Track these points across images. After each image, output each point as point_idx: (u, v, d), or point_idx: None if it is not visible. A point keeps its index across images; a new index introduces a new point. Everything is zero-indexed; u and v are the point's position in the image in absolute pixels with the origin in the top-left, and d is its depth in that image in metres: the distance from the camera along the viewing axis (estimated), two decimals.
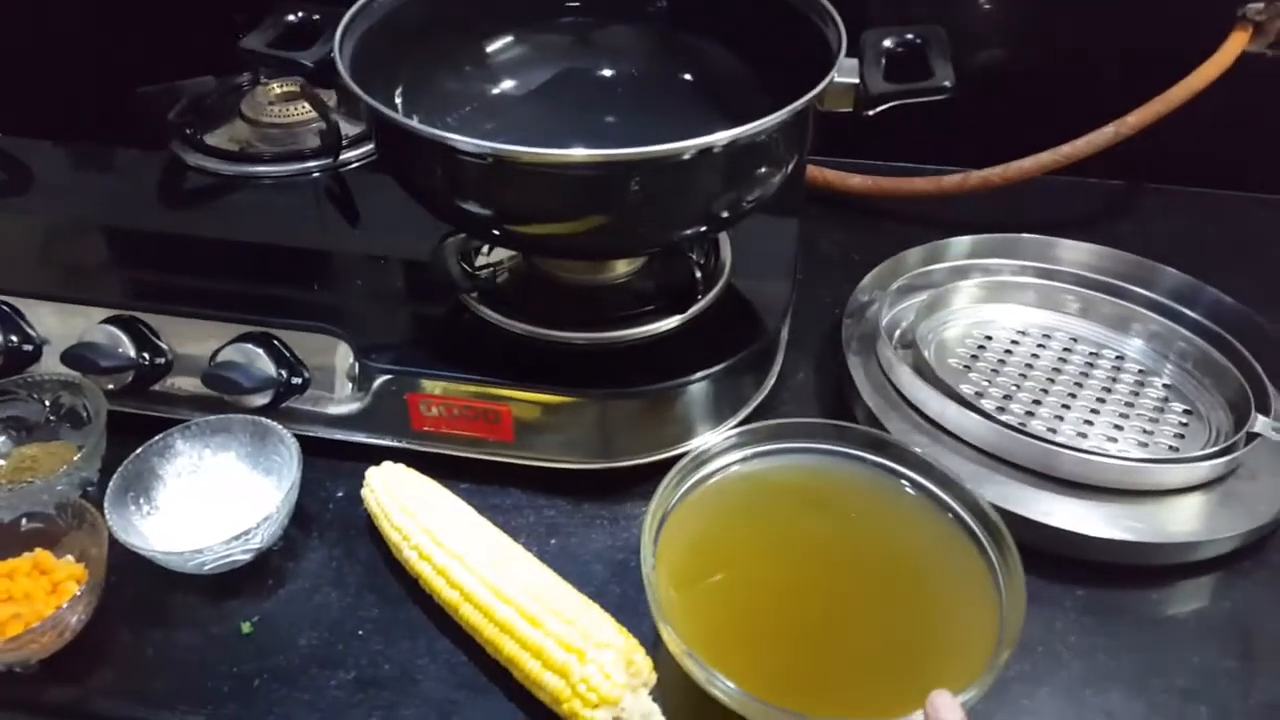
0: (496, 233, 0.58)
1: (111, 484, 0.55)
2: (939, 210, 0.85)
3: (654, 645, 0.49)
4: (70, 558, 0.54)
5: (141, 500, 0.56)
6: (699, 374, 0.59)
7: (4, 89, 0.82)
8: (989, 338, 0.73)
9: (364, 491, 0.58)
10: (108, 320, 0.62)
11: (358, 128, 0.78)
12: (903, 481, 0.55)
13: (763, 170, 0.54)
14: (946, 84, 0.54)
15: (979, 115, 0.80)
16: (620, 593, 0.55)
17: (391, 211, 0.73)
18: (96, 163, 0.78)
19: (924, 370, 0.65)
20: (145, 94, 0.76)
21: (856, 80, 0.55)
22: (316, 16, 0.60)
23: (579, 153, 0.51)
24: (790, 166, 0.55)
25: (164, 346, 0.62)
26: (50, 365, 0.64)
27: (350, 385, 0.61)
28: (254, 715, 0.50)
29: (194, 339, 0.62)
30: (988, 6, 0.85)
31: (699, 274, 0.62)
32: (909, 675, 0.47)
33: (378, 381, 0.60)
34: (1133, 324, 0.71)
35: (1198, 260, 0.72)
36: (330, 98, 0.79)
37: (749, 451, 0.56)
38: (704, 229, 0.58)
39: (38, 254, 0.68)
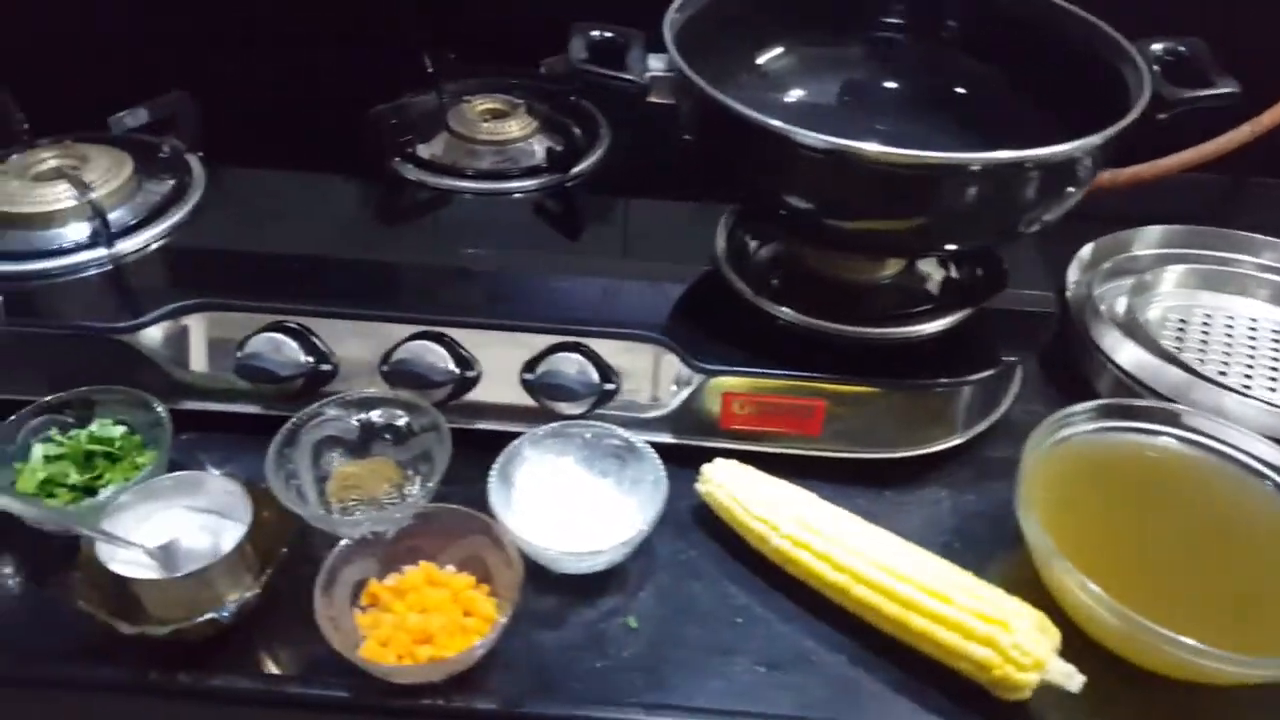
0: (813, 225, 0.61)
1: (492, 491, 0.56)
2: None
3: None
4: (452, 567, 0.55)
5: (505, 505, 0.57)
6: (994, 368, 0.64)
7: (233, 120, 0.81)
8: (1184, 321, 0.79)
9: (702, 487, 0.61)
10: (417, 336, 0.63)
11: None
12: (1234, 463, 0.61)
13: (1072, 190, 0.58)
14: (1233, 90, 0.60)
15: None
16: None
17: (621, 224, 0.76)
18: (337, 185, 0.78)
19: (1155, 347, 0.71)
20: (378, 113, 0.76)
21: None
22: (621, 39, 0.62)
23: (927, 154, 0.54)
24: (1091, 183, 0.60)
25: (473, 359, 0.63)
26: (340, 384, 0.64)
27: (670, 388, 0.63)
28: (677, 700, 0.52)
29: (502, 351, 0.63)
30: None
31: (979, 274, 0.67)
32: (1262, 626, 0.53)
33: (696, 383, 0.62)
34: None
35: None
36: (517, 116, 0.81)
37: (1094, 426, 0.61)
38: (1007, 235, 0.63)
39: (318, 275, 0.67)
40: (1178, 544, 0.57)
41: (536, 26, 0.81)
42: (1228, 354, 0.76)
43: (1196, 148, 0.89)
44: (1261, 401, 0.67)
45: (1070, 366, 0.74)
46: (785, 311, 0.65)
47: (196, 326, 0.63)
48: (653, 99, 0.61)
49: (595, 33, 0.63)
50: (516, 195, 0.77)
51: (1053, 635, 0.51)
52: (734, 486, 0.59)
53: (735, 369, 0.62)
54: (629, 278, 0.70)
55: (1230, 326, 0.79)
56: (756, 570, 0.59)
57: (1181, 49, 0.62)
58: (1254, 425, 0.66)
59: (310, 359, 0.63)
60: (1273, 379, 0.74)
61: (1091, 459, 0.60)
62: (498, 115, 0.82)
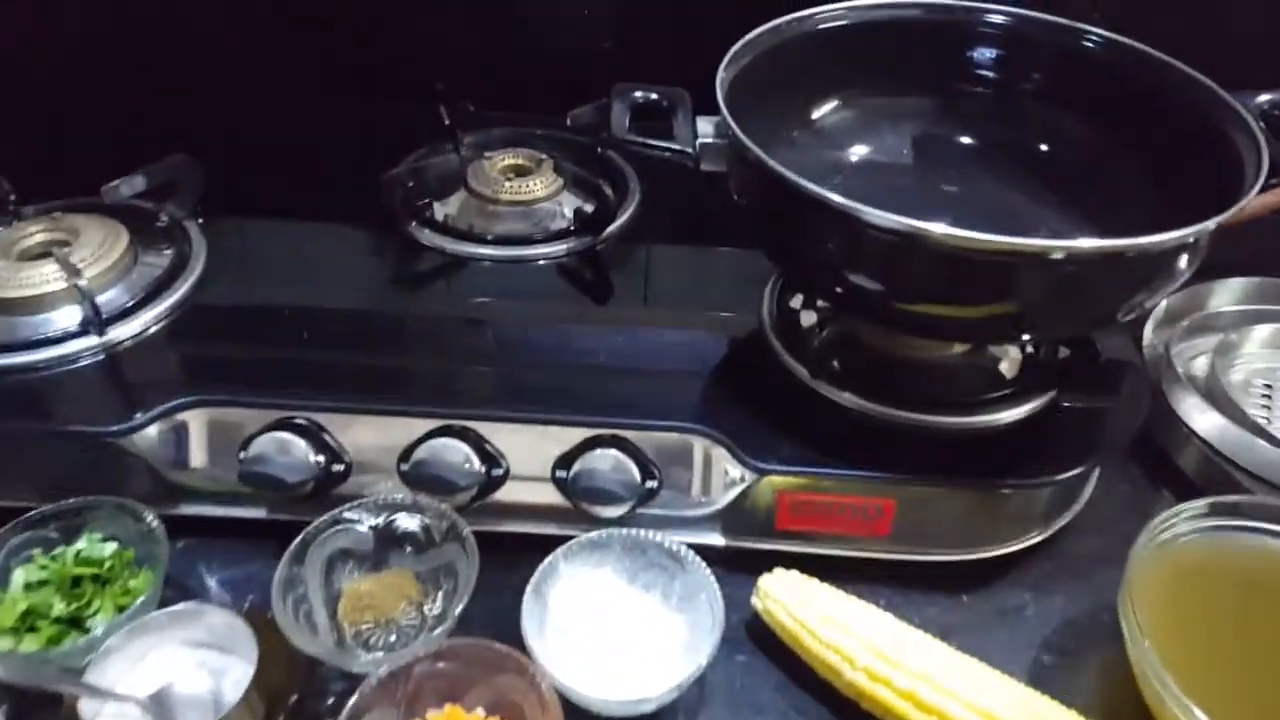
0: (878, 307, 0.54)
1: (526, 618, 0.49)
2: None
3: None
4: (481, 710, 0.48)
5: (539, 635, 0.51)
6: (1086, 462, 0.57)
7: (235, 181, 0.76)
8: (1269, 386, 0.73)
9: (759, 603, 0.54)
10: (438, 432, 0.56)
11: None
12: None
13: (1184, 266, 0.52)
14: None
15: None
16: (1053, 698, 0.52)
17: (657, 289, 0.70)
18: (348, 253, 0.72)
19: (1243, 418, 0.65)
20: (393, 177, 0.70)
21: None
22: (664, 102, 0.56)
23: (1013, 241, 0.47)
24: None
25: (499, 455, 0.57)
26: (353, 484, 0.58)
27: (720, 485, 0.57)
28: None
29: (532, 446, 0.57)
30: None
31: (1062, 352, 0.60)
32: None
33: (750, 480, 0.56)
34: None
35: None
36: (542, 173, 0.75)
37: (1206, 524, 0.55)
38: (1103, 324, 0.56)
39: (328, 361, 0.61)
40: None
41: (561, 75, 0.76)
42: None
43: (1276, 190, 0.82)
44: None
45: (1148, 437, 0.67)
46: (847, 398, 0.58)
47: (196, 424, 0.57)
48: (706, 168, 0.55)
49: (638, 94, 0.56)
50: (542, 261, 0.71)
51: None
52: (796, 606, 0.53)
53: (795, 469, 0.55)
54: (669, 355, 0.63)
55: None
56: (823, 698, 0.52)
57: None
58: None
59: (321, 459, 0.57)
60: None
61: (1201, 566, 0.54)
62: (520, 172, 0.76)
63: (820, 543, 0.58)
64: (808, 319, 0.64)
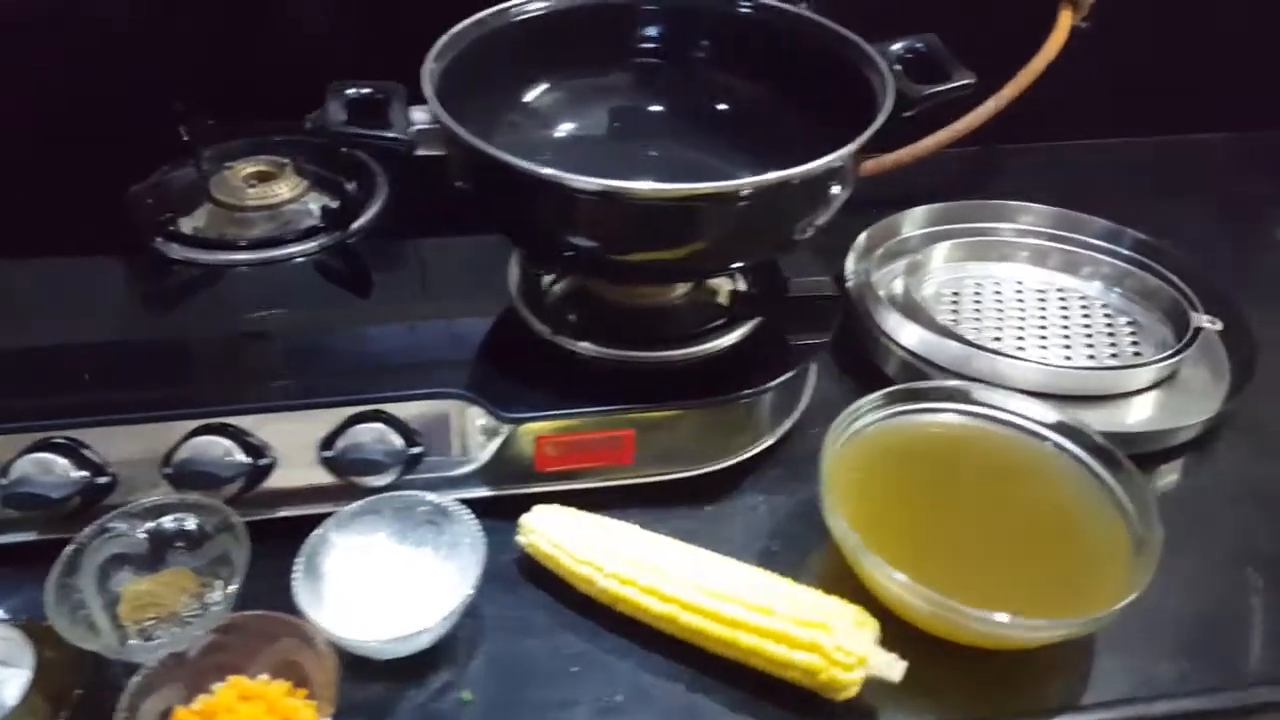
0: (597, 262, 0.61)
1: (298, 590, 0.53)
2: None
3: None
4: (265, 676, 0.52)
5: (315, 601, 0.55)
6: (791, 370, 0.66)
7: None
8: (957, 294, 0.85)
9: (523, 538, 0.60)
10: (198, 432, 0.59)
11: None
12: (1015, 428, 0.65)
13: (838, 190, 0.61)
14: (970, 81, 0.64)
15: None
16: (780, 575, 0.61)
17: (409, 274, 0.75)
18: (94, 276, 0.72)
19: (933, 324, 0.76)
20: (133, 194, 0.71)
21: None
22: (379, 95, 0.60)
23: (696, 186, 0.56)
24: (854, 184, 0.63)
25: (264, 445, 0.60)
26: (121, 494, 0.60)
27: (475, 443, 0.62)
28: None
29: (295, 432, 0.60)
30: None
31: (762, 284, 0.69)
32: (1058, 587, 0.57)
33: (505, 432, 0.61)
34: (1076, 265, 0.86)
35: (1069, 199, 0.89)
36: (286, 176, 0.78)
37: (885, 413, 0.65)
38: (785, 246, 0.65)
39: (81, 377, 0.62)
40: (973, 516, 0.61)
41: (296, 81, 0.78)
42: (1000, 319, 0.82)
43: (949, 127, 0.94)
44: (1032, 361, 0.73)
45: (859, 353, 0.78)
46: (584, 346, 0.65)
47: None
48: (422, 152, 0.60)
49: (352, 90, 0.61)
50: (297, 260, 0.73)
51: (872, 627, 0.54)
52: (555, 533, 0.59)
53: (542, 414, 0.61)
54: (424, 330, 0.68)
55: (999, 293, 0.85)
56: (589, 614, 0.59)
57: (919, 46, 0.66)
58: (1029, 384, 0.71)
59: (84, 474, 0.58)
60: (1042, 337, 0.80)
61: (886, 446, 0.63)
62: (264, 178, 0.78)
63: (577, 479, 0.64)
64: (546, 282, 0.70)
